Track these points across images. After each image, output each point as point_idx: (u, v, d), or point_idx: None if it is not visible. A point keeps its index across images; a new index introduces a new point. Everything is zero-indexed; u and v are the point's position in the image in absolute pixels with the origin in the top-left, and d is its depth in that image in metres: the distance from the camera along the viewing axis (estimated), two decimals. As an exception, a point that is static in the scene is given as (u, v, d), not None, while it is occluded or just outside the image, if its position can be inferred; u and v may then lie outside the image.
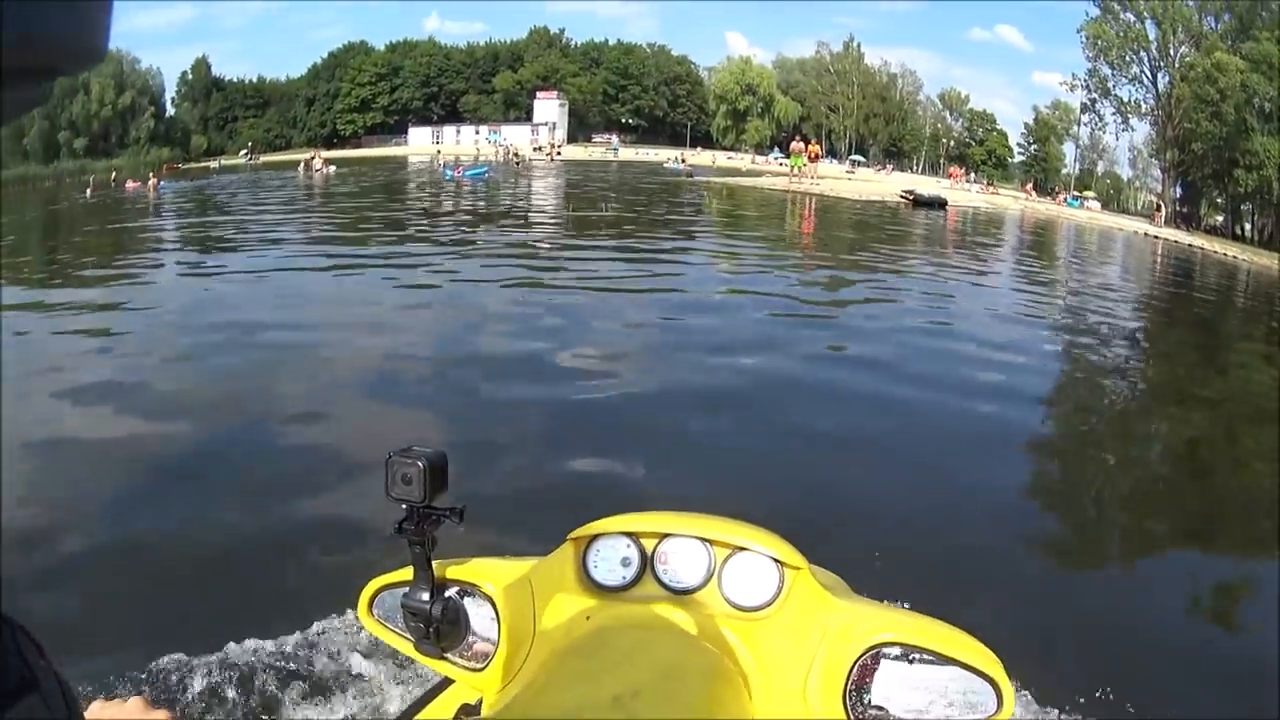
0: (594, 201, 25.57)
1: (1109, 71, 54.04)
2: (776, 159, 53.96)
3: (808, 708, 1.25)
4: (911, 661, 1.23)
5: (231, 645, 2.94)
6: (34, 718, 0.45)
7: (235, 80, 71.72)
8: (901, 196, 34.69)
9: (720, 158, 60.68)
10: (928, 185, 42.23)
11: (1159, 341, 12.31)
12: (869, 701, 1.24)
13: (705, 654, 1.24)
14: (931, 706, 1.23)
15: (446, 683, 1.49)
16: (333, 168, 38.29)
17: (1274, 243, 46.64)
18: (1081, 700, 2.95)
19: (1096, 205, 53.30)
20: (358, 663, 2.83)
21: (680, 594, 1.35)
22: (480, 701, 1.38)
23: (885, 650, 1.24)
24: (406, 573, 1.35)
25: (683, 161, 49.17)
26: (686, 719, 1.08)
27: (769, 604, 1.33)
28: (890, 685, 1.24)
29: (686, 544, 1.37)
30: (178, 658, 2.85)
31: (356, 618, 1.52)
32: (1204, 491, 6.11)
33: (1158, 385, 9.36)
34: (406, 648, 1.42)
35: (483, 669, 1.37)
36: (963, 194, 41.73)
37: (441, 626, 1.34)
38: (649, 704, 1.04)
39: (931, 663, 1.23)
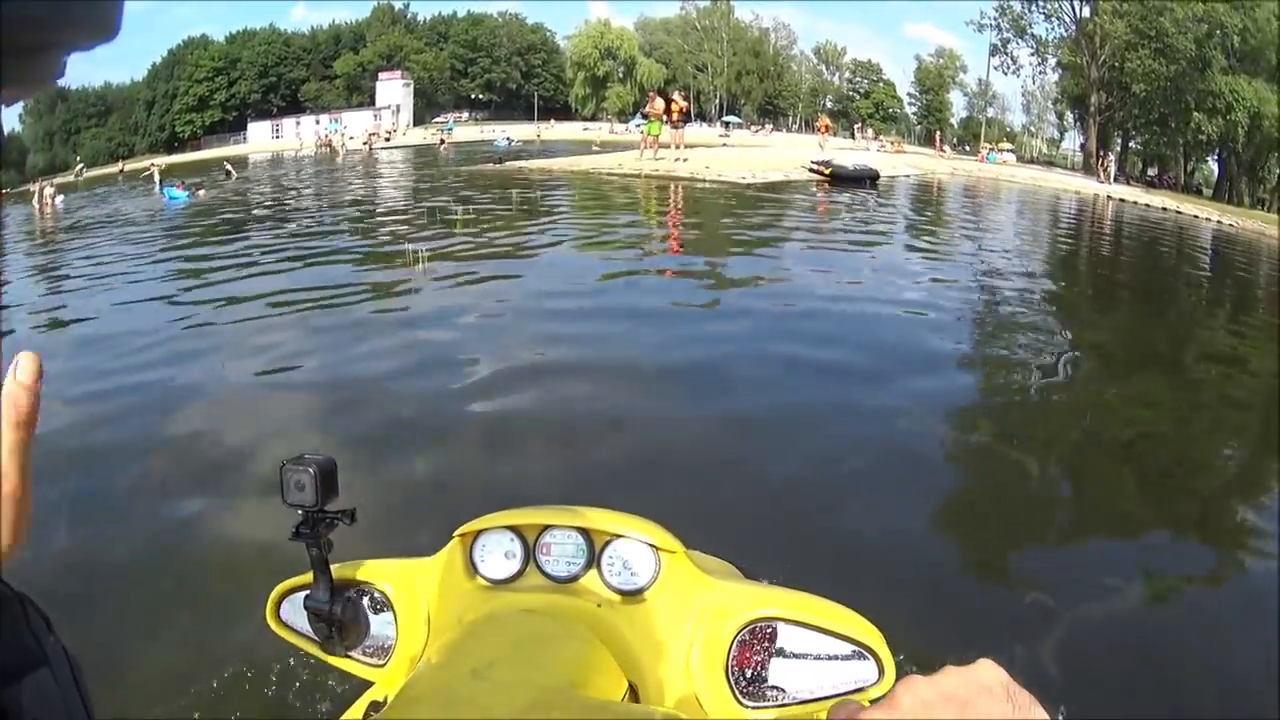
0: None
1: (1020, 7, 41.03)
2: (638, 126, 39.68)
3: (692, 685, 1.20)
4: (791, 636, 1.19)
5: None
6: (44, 692, 0.42)
7: (79, 89, 59.77)
8: (812, 170, 20.16)
9: (576, 129, 50.17)
10: (809, 146, 28.25)
11: None
12: (751, 676, 1.19)
13: (561, 623, 1.18)
14: (813, 679, 1.17)
15: (366, 685, 1.38)
16: (61, 198, 24.51)
17: (1235, 199, 35.56)
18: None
19: (1012, 158, 41.67)
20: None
21: (562, 582, 1.29)
22: (387, 698, 1.28)
23: (763, 626, 1.19)
24: (309, 577, 1.26)
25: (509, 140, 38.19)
26: (541, 676, 1.03)
27: (646, 587, 1.26)
28: (771, 660, 1.19)
29: (566, 534, 1.31)
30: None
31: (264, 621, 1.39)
32: None
33: None
34: (313, 649, 1.35)
35: (384, 665, 1.34)
36: (864, 155, 27.43)
37: (343, 625, 1.27)
38: (504, 670, 1.00)
39: (811, 637, 1.18)
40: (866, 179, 19.27)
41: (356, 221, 13.74)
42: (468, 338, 6.16)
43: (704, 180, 18.49)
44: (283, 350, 6.01)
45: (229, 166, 28.75)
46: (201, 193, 21.59)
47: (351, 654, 1.33)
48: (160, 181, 24.98)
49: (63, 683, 0.44)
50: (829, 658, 1.16)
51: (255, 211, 16.59)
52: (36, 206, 23.39)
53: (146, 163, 36.62)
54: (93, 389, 5.29)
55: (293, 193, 21.43)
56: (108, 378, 5.58)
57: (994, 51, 43.68)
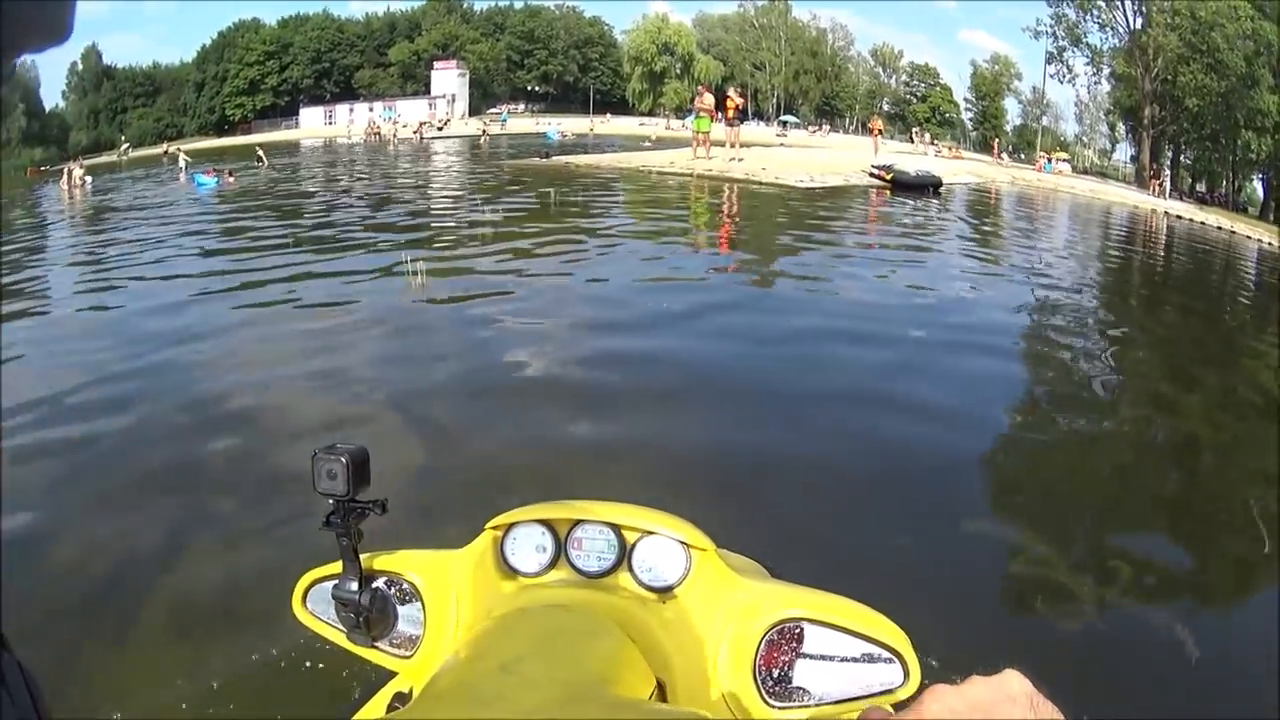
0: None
1: (1075, 16, 39.91)
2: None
3: (719, 684, 1.19)
4: (818, 638, 1.18)
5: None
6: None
7: (127, 68, 58.34)
8: (872, 174, 19.54)
9: (632, 124, 49.64)
10: (866, 149, 27.93)
11: None
12: (778, 676, 1.18)
13: (590, 618, 1.15)
14: (839, 680, 1.17)
15: (390, 676, 1.38)
16: (90, 180, 24.35)
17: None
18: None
19: (1067, 168, 40.17)
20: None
21: (592, 577, 1.27)
22: (412, 689, 1.31)
23: (791, 626, 1.18)
24: (337, 566, 1.28)
25: (563, 134, 38.04)
26: (569, 673, 1.01)
27: (676, 584, 1.24)
28: (798, 660, 1.19)
29: (597, 529, 1.28)
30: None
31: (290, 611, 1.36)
32: None
33: None
34: (339, 638, 1.35)
35: (411, 656, 1.32)
36: (923, 160, 26.70)
37: (371, 616, 1.28)
38: (532, 665, 0.98)
39: (838, 638, 1.17)
40: (929, 186, 18.65)
41: (373, 224, 12.64)
42: (451, 365, 5.50)
43: (760, 182, 18.05)
44: (232, 361, 5.73)
45: (260, 153, 28.68)
46: (231, 179, 21.41)
47: (378, 645, 1.32)
48: (187, 167, 24.87)
49: (19, 701, 0.42)
50: (855, 660, 1.14)
51: (274, 203, 16.12)
52: (65, 188, 23.57)
53: (169, 147, 36.63)
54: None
55: (324, 184, 20.69)
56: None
57: (1050, 59, 42.47)
